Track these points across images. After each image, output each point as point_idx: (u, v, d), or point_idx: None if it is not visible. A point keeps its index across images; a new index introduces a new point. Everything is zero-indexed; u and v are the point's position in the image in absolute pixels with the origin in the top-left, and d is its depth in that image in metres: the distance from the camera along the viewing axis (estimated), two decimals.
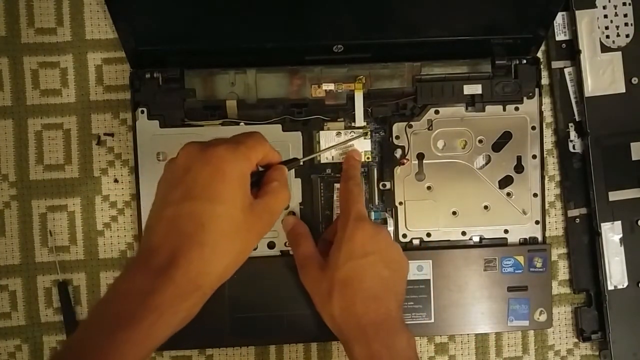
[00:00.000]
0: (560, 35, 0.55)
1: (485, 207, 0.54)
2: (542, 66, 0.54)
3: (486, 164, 0.54)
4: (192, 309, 0.37)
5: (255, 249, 0.51)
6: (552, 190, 0.56)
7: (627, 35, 0.55)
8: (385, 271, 0.46)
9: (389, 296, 0.46)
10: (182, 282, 0.36)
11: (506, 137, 0.54)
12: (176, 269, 0.36)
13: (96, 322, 0.36)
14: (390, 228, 0.53)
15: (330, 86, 0.53)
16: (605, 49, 0.54)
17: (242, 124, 0.52)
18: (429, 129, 0.53)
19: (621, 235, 0.54)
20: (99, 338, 0.34)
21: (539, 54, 0.54)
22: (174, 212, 0.37)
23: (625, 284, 0.54)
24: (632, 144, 0.55)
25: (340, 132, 0.53)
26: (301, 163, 0.49)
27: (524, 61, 0.54)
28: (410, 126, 0.53)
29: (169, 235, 0.37)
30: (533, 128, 0.54)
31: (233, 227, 0.38)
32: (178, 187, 0.38)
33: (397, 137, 0.53)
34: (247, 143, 0.40)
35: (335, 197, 0.53)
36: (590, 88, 0.54)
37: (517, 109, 0.54)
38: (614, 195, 0.54)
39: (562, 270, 0.56)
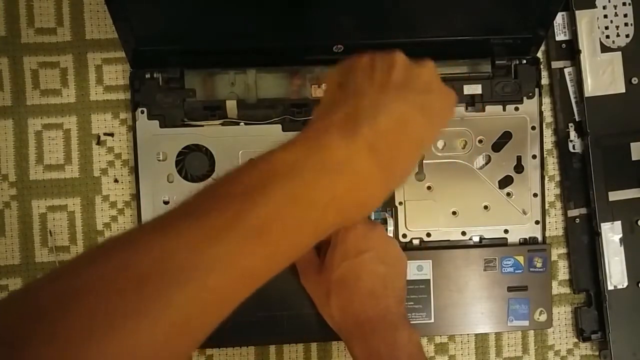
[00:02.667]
0: (560, 35, 0.55)
1: (485, 207, 0.54)
2: (542, 66, 0.54)
3: (486, 163, 0.54)
4: None
5: None
6: (552, 190, 0.56)
7: (627, 35, 0.55)
8: (382, 267, 0.46)
9: (387, 292, 0.46)
10: None
11: (506, 137, 0.54)
12: None
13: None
14: (390, 228, 0.53)
15: None
16: (605, 49, 0.54)
17: (242, 124, 0.52)
18: None
19: (621, 235, 0.54)
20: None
21: (539, 54, 0.54)
22: None
23: (625, 284, 0.54)
24: (632, 144, 0.55)
25: None
26: None
27: (524, 61, 0.54)
28: None
29: None
30: (533, 128, 0.54)
31: None
32: None
33: None
34: None
35: None
36: (590, 88, 0.54)
37: (517, 109, 0.54)
38: (614, 195, 0.54)
39: (562, 270, 0.56)
